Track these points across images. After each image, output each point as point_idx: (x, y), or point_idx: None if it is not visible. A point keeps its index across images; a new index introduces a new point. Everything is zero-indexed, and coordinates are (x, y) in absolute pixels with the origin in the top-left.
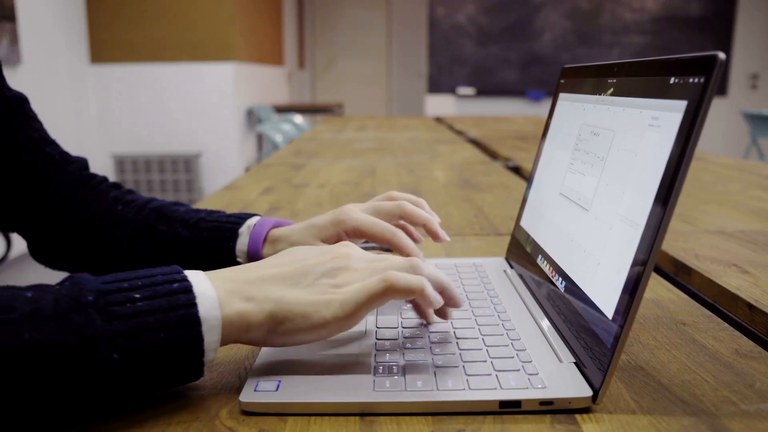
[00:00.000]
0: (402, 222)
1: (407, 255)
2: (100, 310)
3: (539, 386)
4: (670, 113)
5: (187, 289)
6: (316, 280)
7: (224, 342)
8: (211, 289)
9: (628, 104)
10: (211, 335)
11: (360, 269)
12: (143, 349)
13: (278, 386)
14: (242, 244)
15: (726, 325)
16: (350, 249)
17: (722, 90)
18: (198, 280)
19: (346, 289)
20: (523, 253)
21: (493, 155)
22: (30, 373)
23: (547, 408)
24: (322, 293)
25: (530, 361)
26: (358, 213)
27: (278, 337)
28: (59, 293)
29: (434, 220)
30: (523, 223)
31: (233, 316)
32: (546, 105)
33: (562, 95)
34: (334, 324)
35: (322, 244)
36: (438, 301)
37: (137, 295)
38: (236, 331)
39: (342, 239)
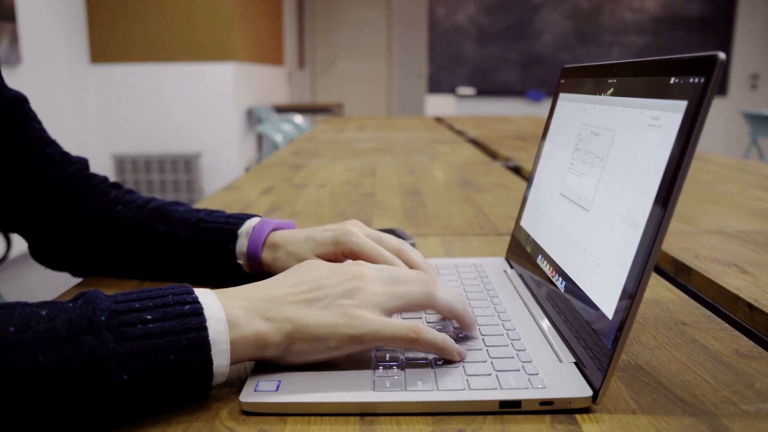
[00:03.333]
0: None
1: None
2: (113, 331)
3: (539, 386)
4: (670, 113)
5: (198, 312)
6: (333, 300)
7: (240, 360)
8: (221, 312)
9: (628, 104)
10: (219, 358)
11: (378, 292)
12: (153, 371)
13: (278, 386)
14: (242, 245)
15: (726, 325)
16: (365, 269)
17: (722, 90)
18: (208, 301)
19: (371, 318)
20: (523, 253)
21: (493, 155)
22: (42, 394)
23: (547, 408)
24: (340, 315)
25: (530, 361)
26: (359, 237)
27: (293, 356)
28: (73, 313)
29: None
30: (523, 223)
31: (251, 335)
32: (546, 105)
33: (562, 95)
34: (349, 347)
35: (317, 260)
36: (460, 355)
37: (149, 317)
38: (253, 350)
39: (339, 259)
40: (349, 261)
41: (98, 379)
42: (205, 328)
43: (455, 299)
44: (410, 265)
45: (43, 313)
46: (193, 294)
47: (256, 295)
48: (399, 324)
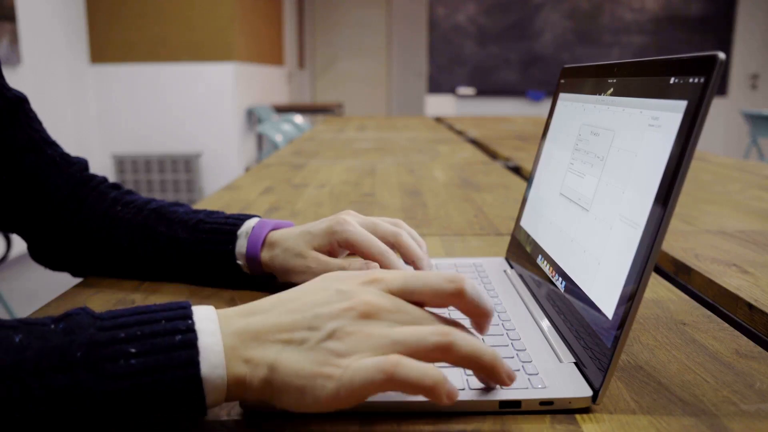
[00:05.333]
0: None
1: None
2: (91, 368)
3: (539, 386)
4: (670, 113)
5: (190, 344)
6: (320, 342)
7: (226, 400)
8: (218, 343)
9: (628, 104)
10: (213, 395)
11: (376, 335)
12: (136, 411)
13: None
14: (241, 246)
15: (726, 325)
16: (380, 300)
17: (722, 90)
18: (206, 328)
19: (348, 364)
20: (523, 253)
21: (493, 155)
22: (10, 426)
23: (547, 408)
24: (321, 364)
25: (530, 361)
26: (353, 225)
27: (276, 402)
28: (48, 343)
29: (426, 261)
30: (523, 223)
31: (231, 379)
32: (546, 105)
33: (562, 95)
34: (328, 405)
35: (316, 254)
36: (449, 399)
37: (132, 350)
38: (233, 394)
39: (335, 250)
40: (365, 275)
41: (73, 418)
42: (196, 364)
43: (481, 345)
44: (405, 254)
45: (17, 339)
46: (189, 320)
47: (242, 328)
48: (370, 365)
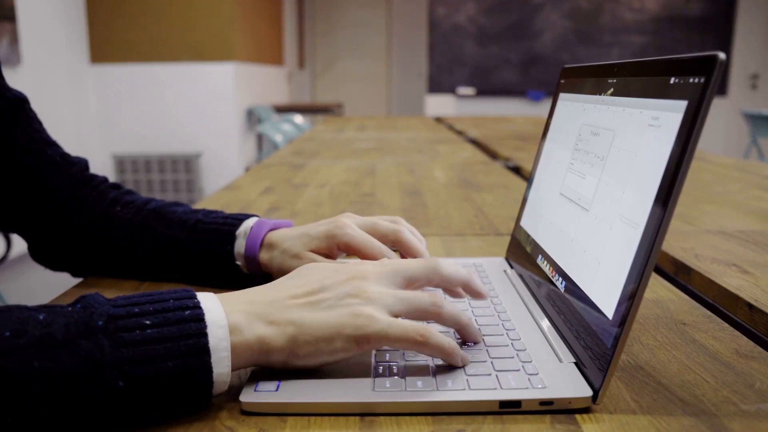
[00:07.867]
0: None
1: None
2: (109, 336)
3: (539, 386)
4: (670, 113)
5: (199, 318)
6: (338, 300)
7: (244, 365)
8: (222, 318)
9: (628, 104)
10: (220, 366)
11: (385, 293)
12: (150, 378)
13: (278, 386)
14: (240, 246)
15: (726, 325)
16: (367, 267)
17: (722, 90)
18: (210, 306)
19: (378, 317)
20: (523, 253)
21: (493, 155)
22: (37, 400)
23: (547, 408)
24: (346, 315)
25: (530, 361)
26: (353, 228)
27: (299, 360)
28: (71, 317)
29: (426, 257)
30: (523, 223)
31: (253, 341)
32: (546, 105)
33: (562, 95)
34: (356, 348)
35: (313, 255)
36: (464, 361)
37: (147, 322)
38: (256, 355)
39: (333, 253)
40: (352, 260)
41: (94, 385)
42: (204, 335)
43: (461, 313)
44: (406, 251)
45: (41, 317)
46: (195, 299)
47: (258, 299)
48: (408, 325)
